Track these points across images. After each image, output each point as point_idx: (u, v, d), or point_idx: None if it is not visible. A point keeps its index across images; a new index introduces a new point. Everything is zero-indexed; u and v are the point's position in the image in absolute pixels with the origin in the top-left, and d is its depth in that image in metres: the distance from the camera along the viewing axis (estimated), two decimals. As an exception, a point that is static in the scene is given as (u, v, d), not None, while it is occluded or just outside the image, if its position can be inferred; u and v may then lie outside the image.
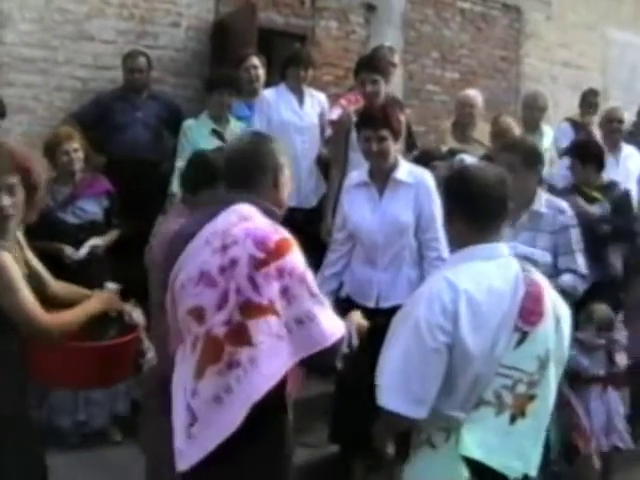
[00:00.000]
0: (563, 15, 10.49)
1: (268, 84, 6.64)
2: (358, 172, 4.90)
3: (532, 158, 4.67)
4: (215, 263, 2.84)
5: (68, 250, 5.18)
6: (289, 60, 6.45)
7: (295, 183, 5.92)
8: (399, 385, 2.75)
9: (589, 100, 8.32)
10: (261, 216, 2.95)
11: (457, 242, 2.99)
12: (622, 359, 5.50)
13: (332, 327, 2.87)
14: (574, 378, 4.90)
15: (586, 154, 5.96)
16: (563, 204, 4.74)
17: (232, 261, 2.81)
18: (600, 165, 5.94)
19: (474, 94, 7.34)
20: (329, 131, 6.34)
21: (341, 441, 5.02)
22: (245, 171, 3.04)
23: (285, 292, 2.80)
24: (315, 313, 2.82)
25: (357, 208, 4.78)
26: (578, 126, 7.96)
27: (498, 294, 2.79)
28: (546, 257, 4.21)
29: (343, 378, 4.71)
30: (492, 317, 2.75)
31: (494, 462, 2.75)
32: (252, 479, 2.91)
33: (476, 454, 2.74)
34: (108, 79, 6.79)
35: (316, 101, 6.50)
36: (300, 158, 6.16)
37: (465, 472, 2.74)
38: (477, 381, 2.76)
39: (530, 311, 2.81)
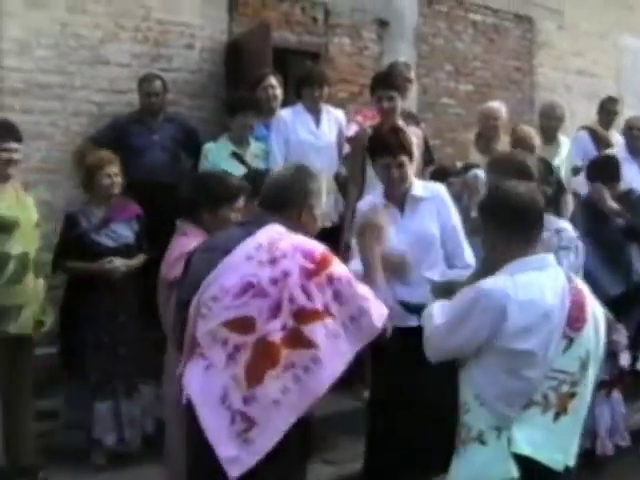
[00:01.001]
0: (575, 24, 10.49)
1: (284, 103, 6.66)
2: (372, 195, 4.88)
3: (519, 177, 4.03)
4: (265, 275, 3.08)
5: (114, 261, 5.25)
6: (303, 80, 6.47)
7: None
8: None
9: (608, 108, 8.27)
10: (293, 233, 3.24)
11: (498, 253, 3.17)
12: (625, 359, 5.54)
13: (378, 313, 3.22)
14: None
15: (602, 174, 5.99)
16: (562, 224, 4.69)
17: (284, 273, 3.08)
18: (617, 179, 5.97)
19: (498, 106, 7.30)
20: (347, 148, 6.34)
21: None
22: (277, 199, 3.37)
23: (337, 296, 3.12)
24: (364, 307, 3.18)
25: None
26: (596, 135, 7.92)
27: (550, 305, 3.00)
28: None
29: (375, 399, 4.76)
30: (543, 326, 2.98)
31: (541, 457, 2.98)
32: None
33: (526, 450, 2.97)
34: (124, 103, 6.83)
35: (333, 118, 6.51)
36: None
37: (514, 468, 2.96)
38: (530, 384, 2.98)
39: (576, 318, 3.04)
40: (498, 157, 5.02)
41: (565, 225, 4.59)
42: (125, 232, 5.47)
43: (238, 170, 5.84)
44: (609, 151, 7.56)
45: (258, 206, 3.46)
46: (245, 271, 3.10)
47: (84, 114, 6.71)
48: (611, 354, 5.46)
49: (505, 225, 3.12)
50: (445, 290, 3.58)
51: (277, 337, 3.02)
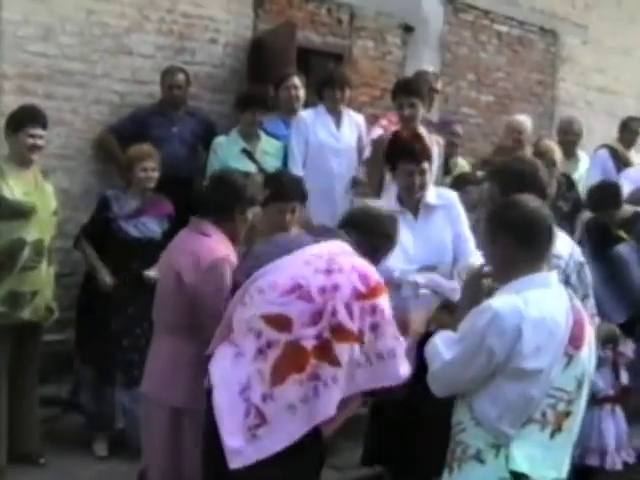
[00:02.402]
0: (599, 40, 10.44)
1: (305, 103, 6.65)
2: (386, 201, 4.84)
3: (512, 186, 3.71)
4: (316, 282, 3.14)
5: (151, 273, 5.22)
6: (325, 82, 6.47)
7: (330, 205, 6.02)
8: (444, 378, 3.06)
9: (631, 127, 8.19)
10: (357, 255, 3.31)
11: (505, 269, 3.13)
12: (625, 376, 5.62)
13: (405, 365, 3.29)
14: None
15: (602, 201, 5.98)
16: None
17: (335, 286, 3.13)
18: (618, 205, 5.95)
19: (524, 120, 7.27)
20: (368, 152, 6.30)
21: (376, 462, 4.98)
22: (358, 223, 3.55)
23: (374, 328, 3.17)
24: (397, 352, 3.25)
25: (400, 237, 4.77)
26: (616, 154, 7.88)
27: (556, 323, 2.99)
28: (456, 293, 4.13)
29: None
30: (551, 344, 2.97)
31: (537, 474, 2.97)
32: None
33: (524, 468, 2.95)
34: (145, 94, 6.84)
35: (354, 122, 6.52)
36: (336, 180, 6.17)
37: None
38: (531, 402, 2.96)
39: (577, 337, 3.03)
40: (496, 165, 4.69)
41: (560, 251, 3.81)
42: (154, 227, 5.51)
43: (247, 167, 5.92)
44: (629, 169, 7.54)
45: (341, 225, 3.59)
46: (298, 272, 3.15)
47: (105, 103, 6.70)
48: (615, 369, 5.48)
49: (518, 241, 3.07)
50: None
51: (310, 344, 3.07)
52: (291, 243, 3.33)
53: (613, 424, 5.54)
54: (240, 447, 3.01)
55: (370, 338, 3.16)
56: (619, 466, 5.52)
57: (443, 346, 3.07)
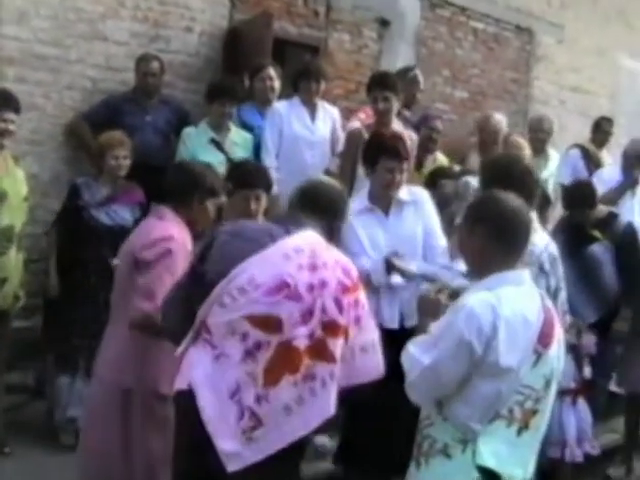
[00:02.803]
0: (575, 39, 10.48)
1: (280, 95, 6.63)
2: (358, 199, 4.91)
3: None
4: (303, 280, 3.06)
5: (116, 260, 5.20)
6: (300, 73, 6.44)
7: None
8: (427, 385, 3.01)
9: (604, 128, 8.26)
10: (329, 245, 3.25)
11: (480, 263, 3.14)
12: (588, 370, 5.69)
13: (382, 362, 3.28)
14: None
15: (577, 201, 6.01)
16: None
17: (322, 282, 3.08)
18: (593, 205, 5.99)
19: (499, 119, 7.21)
20: (341, 144, 6.30)
21: (349, 461, 5.00)
22: (323, 207, 3.36)
23: (358, 321, 3.16)
24: (377, 345, 3.25)
25: (370, 233, 4.79)
26: (588, 154, 7.93)
27: (528, 321, 3.00)
28: (457, 280, 4.08)
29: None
30: (522, 341, 2.97)
31: (504, 470, 2.98)
32: None
33: (490, 463, 2.96)
34: (119, 81, 6.77)
35: (329, 115, 6.51)
36: (309, 171, 6.13)
37: None
38: (499, 398, 2.97)
39: (546, 335, 3.04)
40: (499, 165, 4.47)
41: (536, 241, 3.92)
42: (125, 215, 5.51)
43: (216, 157, 5.89)
44: (602, 170, 7.59)
45: (292, 205, 3.44)
46: (281, 269, 3.06)
47: (78, 88, 6.63)
48: (577, 361, 5.53)
49: (495, 235, 3.07)
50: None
51: (302, 344, 3.02)
52: (262, 235, 3.19)
53: (574, 416, 5.59)
54: (236, 450, 2.98)
55: (355, 331, 3.15)
56: (580, 458, 5.58)
57: (418, 352, 3.03)
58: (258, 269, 3.06)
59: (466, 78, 9.49)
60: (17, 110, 5.02)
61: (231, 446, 2.98)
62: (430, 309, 3.28)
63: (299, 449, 3.19)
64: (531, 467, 3.13)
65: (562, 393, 5.36)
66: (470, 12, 9.43)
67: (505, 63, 9.88)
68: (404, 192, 4.87)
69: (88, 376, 5.08)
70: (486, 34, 9.64)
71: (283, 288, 3.03)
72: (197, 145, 6.10)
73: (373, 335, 3.26)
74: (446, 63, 9.29)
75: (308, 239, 3.17)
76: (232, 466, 2.97)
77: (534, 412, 3.04)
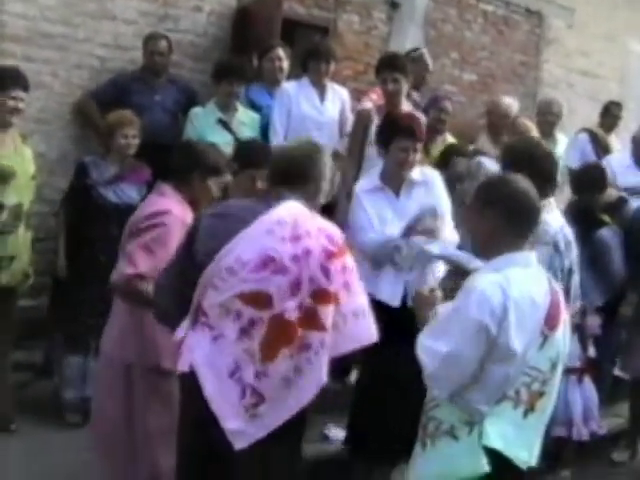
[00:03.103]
0: (585, 23, 10.42)
1: (288, 75, 6.60)
2: (368, 178, 4.98)
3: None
4: (287, 252, 3.04)
5: None
6: (310, 53, 6.40)
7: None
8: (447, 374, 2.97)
9: (613, 113, 8.22)
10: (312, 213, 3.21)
11: (489, 244, 3.15)
12: (592, 350, 5.74)
13: (374, 327, 3.21)
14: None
15: (585, 182, 5.99)
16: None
17: (306, 251, 3.05)
18: (603, 188, 5.97)
19: (509, 103, 7.11)
20: (349, 127, 6.29)
21: (359, 443, 5.00)
22: (293, 175, 3.30)
23: (347, 286, 3.11)
24: (368, 310, 3.19)
25: (379, 212, 4.78)
26: (596, 138, 7.89)
27: (536, 303, 3.01)
28: (474, 262, 4.12)
29: (364, 375, 5.00)
30: (530, 323, 2.98)
31: (509, 452, 3.00)
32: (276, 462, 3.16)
33: (497, 444, 2.97)
34: (127, 60, 6.75)
35: (337, 96, 6.47)
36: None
37: (486, 463, 2.95)
38: (507, 379, 2.97)
39: (552, 317, 3.05)
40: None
41: (547, 218, 3.94)
42: (132, 194, 5.48)
43: (224, 137, 5.88)
44: (611, 156, 7.55)
45: (268, 180, 3.42)
46: (265, 245, 3.06)
47: (85, 67, 6.60)
48: (582, 342, 5.53)
49: (505, 216, 3.09)
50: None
51: (294, 316, 3.02)
52: (246, 214, 3.18)
53: (580, 395, 5.60)
54: (241, 428, 3.01)
55: (345, 297, 3.11)
56: (586, 437, 5.60)
57: (431, 341, 3.01)
58: (243, 247, 3.07)
59: (475, 61, 9.46)
60: (26, 88, 5.01)
61: (236, 425, 3.01)
62: (426, 305, 3.29)
63: (298, 425, 3.19)
64: (536, 450, 3.12)
65: (568, 372, 5.34)
66: (480, -6, 9.38)
67: (514, 46, 9.84)
68: (416, 172, 4.90)
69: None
70: (496, 17, 9.60)
71: (269, 263, 3.03)
72: (205, 125, 6.08)
73: (363, 300, 3.20)
74: (455, 45, 9.25)
75: (291, 210, 3.15)
76: (239, 444, 3.01)
77: (540, 394, 3.05)
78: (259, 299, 3.03)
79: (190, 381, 3.10)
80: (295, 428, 3.16)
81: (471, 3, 9.34)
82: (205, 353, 3.07)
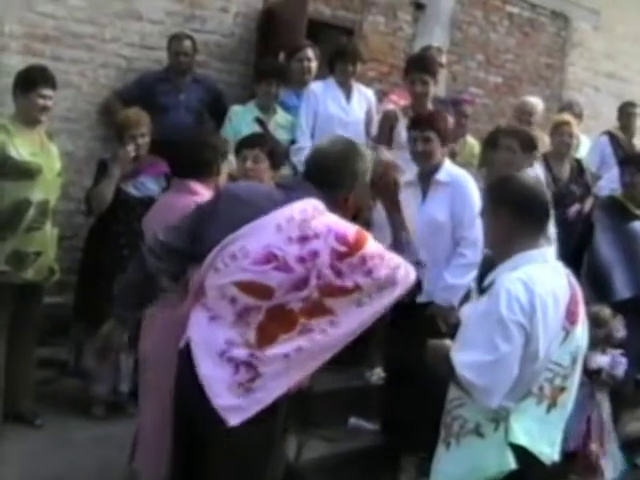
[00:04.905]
0: (611, 26, 10.39)
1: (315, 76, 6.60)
2: (409, 172, 4.94)
3: (528, 143, 5.08)
4: (292, 252, 3.03)
5: None
6: (337, 54, 6.41)
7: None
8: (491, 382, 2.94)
9: (626, 111, 8.15)
10: (329, 212, 3.17)
11: (505, 244, 3.17)
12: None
13: (408, 271, 3.18)
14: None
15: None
16: None
17: (313, 253, 3.03)
18: None
19: (535, 102, 7.18)
20: (375, 127, 6.30)
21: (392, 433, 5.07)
22: (327, 178, 3.25)
23: (369, 273, 3.06)
24: (394, 277, 3.12)
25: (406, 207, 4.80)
26: (617, 141, 7.85)
27: (557, 298, 3.03)
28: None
29: (392, 370, 5.12)
30: (553, 318, 3.00)
31: (534, 448, 3.02)
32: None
33: (523, 441, 2.99)
34: (153, 59, 6.79)
35: (364, 97, 6.47)
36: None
37: (512, 459, 2.97)
38: (532, 375, 2.99)
39: (572, 312, 3.08)
40: (510, 127, 5.18)
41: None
42: (152, 186, 5.48)
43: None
44: None
45: (303, 175, 3.38)
46: (271, 242, 3.05)
47: (112, 67, 6.65)
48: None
49: (520, 215, 3.13)
50: None
51: (297, 306, 3.03)
52: (261, 198, 3.19)
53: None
54: (234, 404, 2.99)
55: (368, 282, 3.06)
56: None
57: (470, 355, 2.97)
58: (250, 238, 3.07)
59: (500, 63, 9.47)
60: (54, 86, 5.05)
61: (228, 400, 3.00)
62: (439, 354, 3.20)
63: (278, 410, 3.13)
64: (557, 448, 3.15)
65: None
66: (506, -4, 9.37)
67: (540, 48, 9.84)
68: (444, 173, 4.91)
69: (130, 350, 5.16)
70: (521, 19, 9.60)
71: (271, 260, 3.03)
72: (242, 123, 6.09)
73: (385, 272, 3.10)
74: (480, 47, 9.26)
75: (303, 207, 3.12)
76: (233, 419, 2.99)
77: (562, 389, 3.08)
78: (257, 289, 3.04)
79: (183, 359, 3.14)
80: (273, 414, 3.10)
81: (497, 5, 9.35)
82: (201, 331, 3.10)
